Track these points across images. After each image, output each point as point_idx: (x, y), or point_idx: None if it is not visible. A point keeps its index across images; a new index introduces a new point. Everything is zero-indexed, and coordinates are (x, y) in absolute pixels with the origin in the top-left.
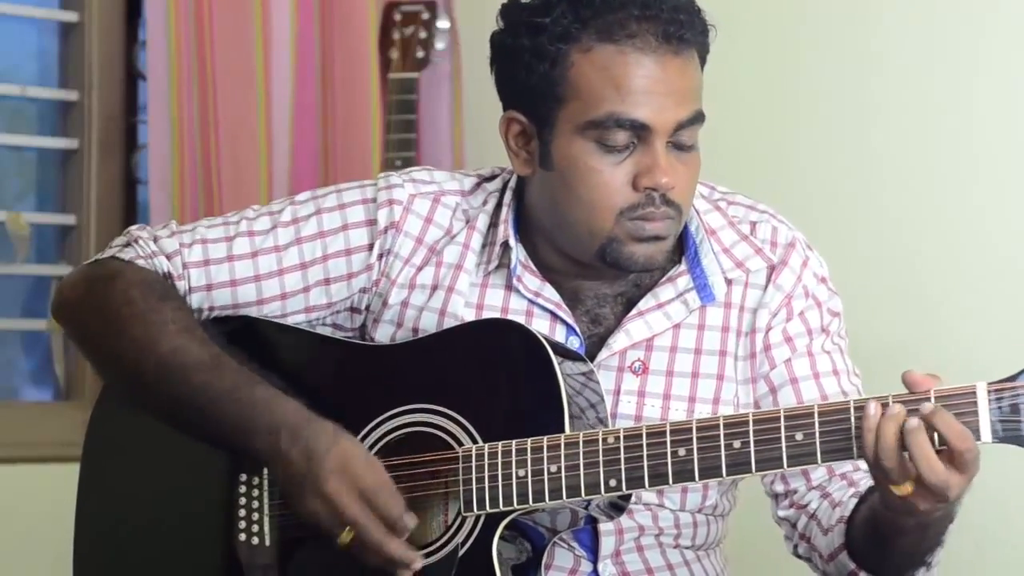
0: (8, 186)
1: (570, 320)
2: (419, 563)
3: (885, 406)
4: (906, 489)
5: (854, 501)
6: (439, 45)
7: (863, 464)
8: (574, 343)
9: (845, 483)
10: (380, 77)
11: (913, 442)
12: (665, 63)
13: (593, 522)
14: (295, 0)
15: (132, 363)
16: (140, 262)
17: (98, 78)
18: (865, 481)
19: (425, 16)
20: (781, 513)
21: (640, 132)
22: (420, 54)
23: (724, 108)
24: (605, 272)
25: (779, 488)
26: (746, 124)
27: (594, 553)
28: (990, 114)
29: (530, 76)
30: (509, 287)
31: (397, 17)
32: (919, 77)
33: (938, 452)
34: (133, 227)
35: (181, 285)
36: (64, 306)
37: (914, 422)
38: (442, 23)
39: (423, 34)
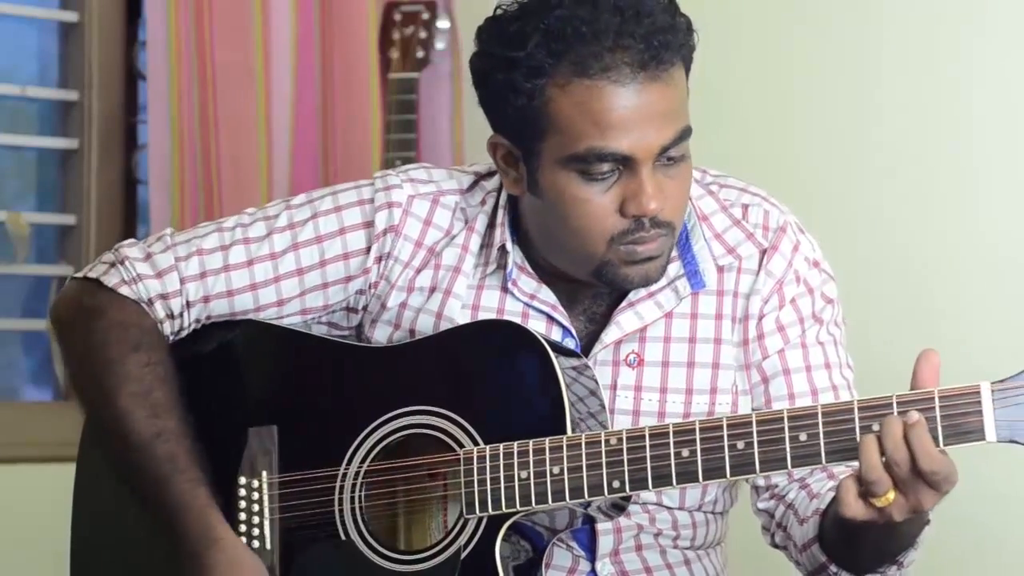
0: (8, 186)
1: (566, 322)
2: None
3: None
4: (888, 499)
5: (831, 494)
6: (439, 45)
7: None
8: (569, 344)
9: (825, 475)
10: (380, 77)
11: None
12: (643, 90)
13: (591, 522)
14: (295, 0)
15: (92, 407)
16: (124, 289)
17: (98, 78)
18: (846, 475)
19: (425, 16)
20: (760, 505)
21: (624, 161)
22: (420, 54)
23: (724, 111)
24: (602, 287)
25: (760, 481)
26: (746, 126)
27: (592, 552)
28: (990, 115)
29: (508, 108)
30: (505, 289)
31: (397, 17)
32: (918, 79)
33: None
34: (124, 243)
35: (177, 301)
36: (57, 323)
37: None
38: (442, 23)
39: (423, 34)
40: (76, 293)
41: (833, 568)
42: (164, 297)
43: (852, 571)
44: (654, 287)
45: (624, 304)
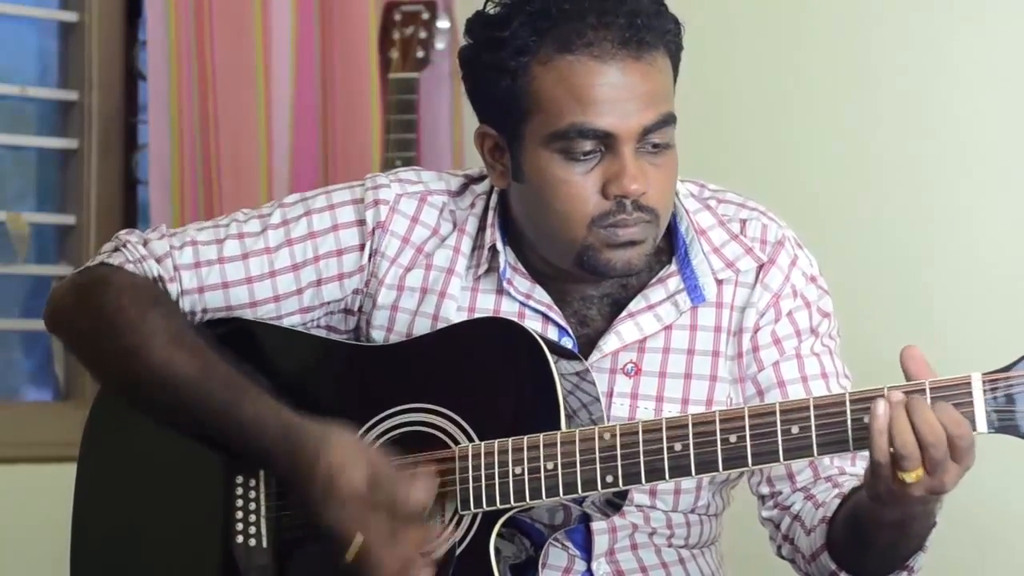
0: (8, 186)
1: (562, 321)
2: (441, 543)
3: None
4: (918, 475)
5: (837, 501)
6: (439, 45)
7: (849, 467)
8: (567, 344)
9: (830, 485)
10: (380, 77)
11: (942, 410)
12: (626, 69)
13: (587, 520)
14: (295, 0)
15: (126, 372)
16: (129, 267)
17: (98, 78)
18: (850, 484)
19: (425, 16)
20: (765, 514)
21: (605, 140)
22: (420, 54)
23: (722, 109)
24: (588, 276)
25: (764, 490)
26: (743, 124)
27: (587, 552)
28: (989, 117)
29: (494, 91)
30: (500, 291)
31: (397, 17)
32: (914, 77)
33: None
34: (122, 231)
35: (173, 288)
36: (56, 314)
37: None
38: (442, 23)
39: (423, 34)
40: (72, 279)
41: (843, 575)
42: (162, 280)
43: None
44: (654, 299)
45: (624, 315)
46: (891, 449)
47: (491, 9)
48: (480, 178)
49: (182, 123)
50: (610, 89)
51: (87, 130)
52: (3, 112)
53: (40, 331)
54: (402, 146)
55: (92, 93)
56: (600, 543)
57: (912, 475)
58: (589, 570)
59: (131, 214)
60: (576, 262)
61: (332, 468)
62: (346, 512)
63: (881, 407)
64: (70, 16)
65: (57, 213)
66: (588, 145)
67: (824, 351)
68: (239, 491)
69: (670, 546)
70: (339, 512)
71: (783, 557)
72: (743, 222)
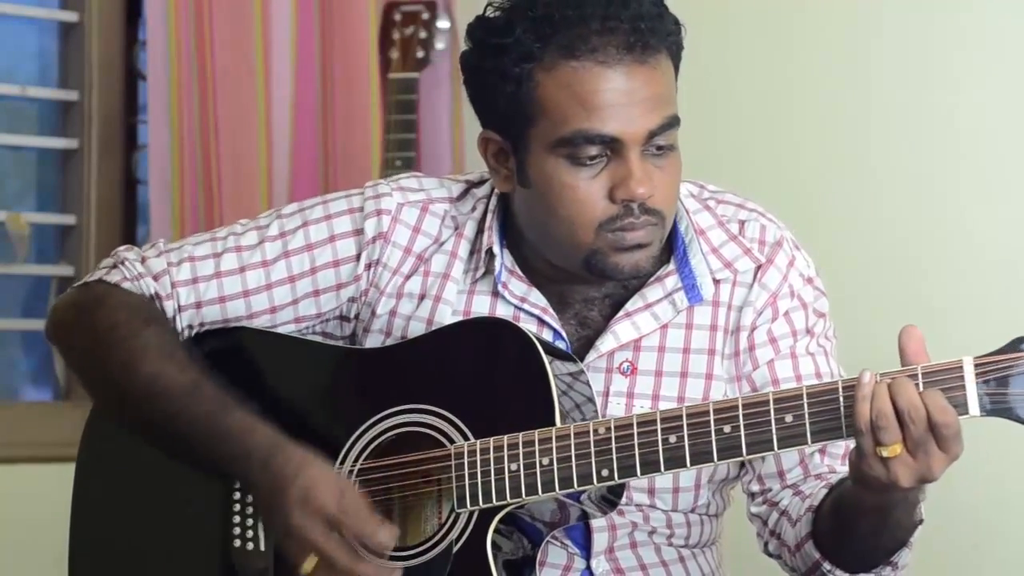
0: (8, 186)
1: (556, 325)
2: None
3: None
4: (895, 450)
5: (824, 492)
6: (439, 45)
7: (839, 466)
8: (560, 347)
9: (818, 481)
10: (380, 77)
11: (927, 394)
12: (631, 73)
13: (586, 518)
14: (295, 0)
15: (116, 387)
16: (126, 284)
17: (98, 78)
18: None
19: (425, 16)
20: (754, 510)
21: (611, 145)
22: (420, 54)
23: (721, 109)
24: (594, 279)
25: (754, 487)
26: (742, 123)
27: (587, 550)
28: (985, 111)
29: (498, 97)
30: (495, 294)
31: (397, 17)
32: (913, 76)
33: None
34: (121, 248)
35: (170, 305)
36: (55, 328)
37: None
38: (442, 23)
39: (423, 34)
40: (72, 296)
41: (827, 566)
42: (159, 298)
43: (846, 569)
44: (651, 299)
45: (621, 314)
46: (872, 417)
47: (492, 14)
48: (481, 182)
49: (182, 123)
50: (616, 94)
51: (87, 130)
52: (3, 112)
53: (40, 331)
54: (402, 146)
55: (92, 93)
56: (599, 541)
57: (888, 450)
58: (588, 568)
59: (131, 214)
60: (583, 266)
61: (310, 481)
62: (312, 523)
63: (867, 375)
64: (70, 16)
65: (57, 213)
66: (594, 150)
67: (819, 351)
68: (237, 495)
69: (670, 545)
70: (305, 520)
71: (770, 554)
72: (742, 223)
